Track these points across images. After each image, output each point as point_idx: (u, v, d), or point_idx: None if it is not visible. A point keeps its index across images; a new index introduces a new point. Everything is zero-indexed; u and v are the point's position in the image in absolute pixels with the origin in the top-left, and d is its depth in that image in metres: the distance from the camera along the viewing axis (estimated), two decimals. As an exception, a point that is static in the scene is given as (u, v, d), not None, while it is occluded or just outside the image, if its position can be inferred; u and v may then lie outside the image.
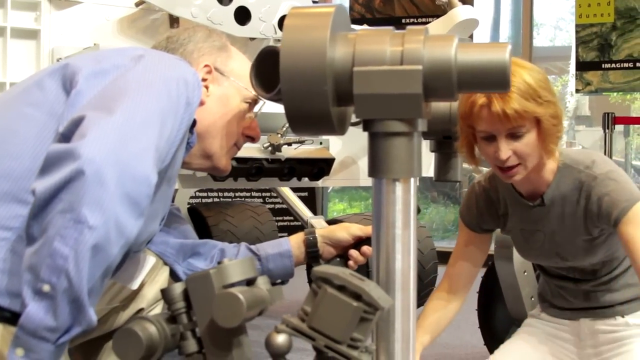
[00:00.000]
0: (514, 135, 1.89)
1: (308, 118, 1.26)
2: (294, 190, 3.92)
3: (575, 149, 2.25)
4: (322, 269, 1.20)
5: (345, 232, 2.01)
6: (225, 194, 6.31)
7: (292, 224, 5.94)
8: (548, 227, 2.08)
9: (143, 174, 1.34)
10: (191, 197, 5.54)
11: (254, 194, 6.35)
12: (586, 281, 2.15)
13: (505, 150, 1.89)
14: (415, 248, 1.31)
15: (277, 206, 6.17)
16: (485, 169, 2.42)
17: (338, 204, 8.52)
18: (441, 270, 4.13)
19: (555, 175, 2.03)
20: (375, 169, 1.28)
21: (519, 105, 1.84)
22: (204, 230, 4.33)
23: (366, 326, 1.18)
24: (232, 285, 1.26)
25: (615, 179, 1.97)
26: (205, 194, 6.16)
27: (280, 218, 6.16)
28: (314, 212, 4.52)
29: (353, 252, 2.00)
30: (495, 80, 1.26)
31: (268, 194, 6.29)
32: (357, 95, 1.23)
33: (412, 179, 1.28)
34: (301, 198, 4.15)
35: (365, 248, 1.98)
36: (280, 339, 1.19)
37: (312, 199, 6.52)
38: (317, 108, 1.24)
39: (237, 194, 6.34)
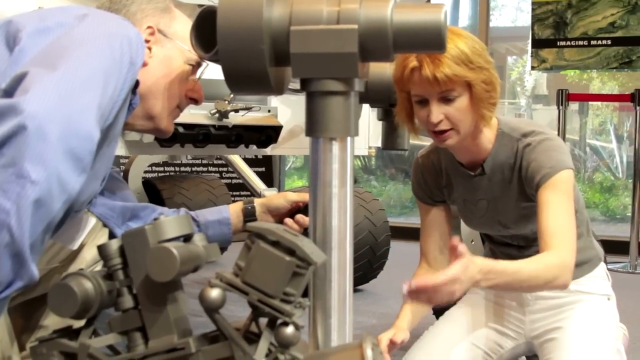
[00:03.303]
0: (445, 99, 1.91)
1: (245, 77, 1.27)
2: (251, 165, 3.92)
3: (515, 118, 2.26)
4: (256, 224, 1.21)
5: (283, 199, 2.03)
6: (182, 168, 6.29)
7: (248, 198, 5.94)
8: (490, 195, 2.11)
9: (86, 130, 1.33)
10: (147, 172, 5.50)
11: (210, 168, 6.33)
12: (529, 247, 2.18)
13: (437, 113, 1.92)
14: (352, 206, 1.32)
15: (234, 181, 6.16)
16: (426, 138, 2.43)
17: (297, 181, 8.51)
18: (394, 244, 4.18)
19: (493, 144, 2.05)
20: (312, 128, 1.29)
21: (449, 69, 1.86)
22: (158, 203, 4.31)
23: (299, 281, 1.19)
24: (168, 241, 1.27)
25: (546, 147, 1.99)
26: (161, 169, 6.13)
27: (237, 193, 6.16)
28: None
29: (288, 220, 2.01)
30: (430, 40, 1.27)
31: (225, 169, 6.28)
32: (293, 54, 1.24)
33: (348, 138, 1.30)
34: (258, 173, 4.15)
35: (299, 216, 2.00)
36: (214, 293, 1.20)
37: (269, 175, 6.51)
38: (254, 67, 1.25)
39: (193, 169, 6.32)
